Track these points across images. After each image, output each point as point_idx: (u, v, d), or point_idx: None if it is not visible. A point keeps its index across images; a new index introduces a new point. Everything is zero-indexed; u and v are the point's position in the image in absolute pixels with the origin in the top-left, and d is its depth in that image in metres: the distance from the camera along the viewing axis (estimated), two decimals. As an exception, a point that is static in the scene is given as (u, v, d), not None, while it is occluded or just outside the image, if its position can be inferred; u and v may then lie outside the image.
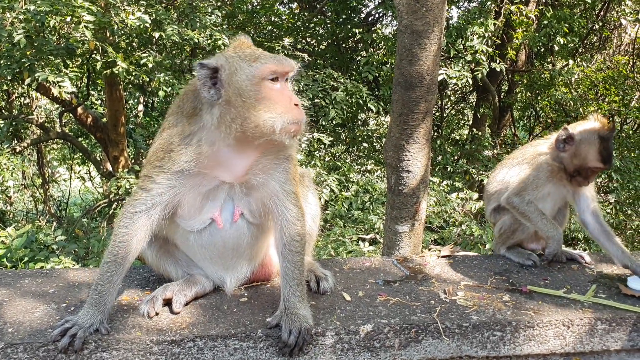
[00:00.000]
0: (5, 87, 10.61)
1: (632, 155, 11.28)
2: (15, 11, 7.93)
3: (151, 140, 12.38)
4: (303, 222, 2.55)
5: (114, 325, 2.42)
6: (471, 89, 13.66)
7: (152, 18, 8.48)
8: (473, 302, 2.70)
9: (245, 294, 2.74)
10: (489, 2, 10.90)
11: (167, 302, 2.58)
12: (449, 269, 3.15)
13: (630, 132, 12.25)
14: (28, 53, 8.11)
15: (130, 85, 11.44)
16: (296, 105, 2.35)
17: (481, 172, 10.63)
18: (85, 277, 2.95)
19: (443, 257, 3.34)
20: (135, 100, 14.17)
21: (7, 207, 14.99)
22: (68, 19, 7.65)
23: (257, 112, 2.30)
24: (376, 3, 11.98)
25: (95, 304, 2.38)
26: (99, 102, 13.69)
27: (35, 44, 8.08)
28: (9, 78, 8.66)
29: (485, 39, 9.82)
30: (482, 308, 2.64)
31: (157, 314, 2.51)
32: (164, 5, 9.06)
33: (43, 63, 8.55)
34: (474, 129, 12.43)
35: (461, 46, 10.10)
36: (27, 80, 8.11)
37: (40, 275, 2.94)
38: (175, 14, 9.03)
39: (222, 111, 2.33)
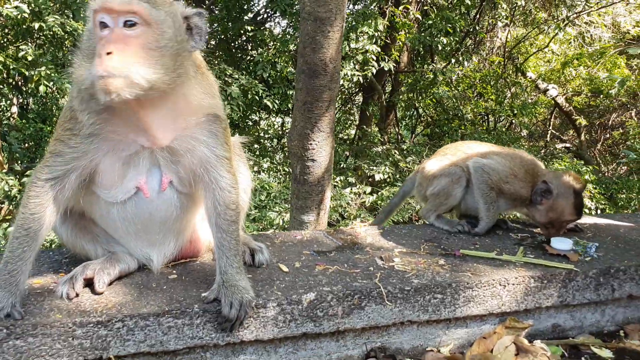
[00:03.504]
0: None
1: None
2: None
3: (28, 144, 11.32)
4: (237, 190, 2.40)
5: (28, 310, 2.12)
6: (357, 89, 14.08)
7: (30, 8, 7.80)
8: (411, 267, 2.72)
9: (174, 271, 2.54)
10: (374, 4, 11.32)
11: (89, 283, 2.30)
12: (380, 237, 3.16)
13: (504, 129, 13.33)
14: None
15: (3, 84, 10.36)
16: (109, 54, 1.93)
17: (372, 167, 10.95)
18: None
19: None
20: (8, 101, 12.87)
21: None
22: None
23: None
24: (264, 2, 11.96)
25: (5, 285, 2.07)
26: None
27: None
28: None
29: (374, 39, 10.16)
30: (421, 272, 2.66)
31: (77, 295, 2.23)
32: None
33: None
34: (364, 127, 12.80)
35: (348, 47, 10.37)
36: None
37: None
38: (57, 5, 8.36)
39: None
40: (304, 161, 5.68)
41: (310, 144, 5.60)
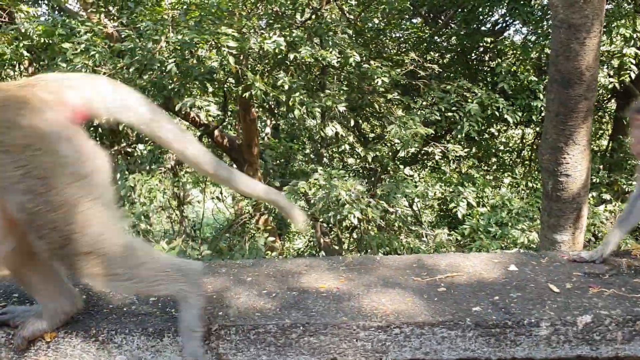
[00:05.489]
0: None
1: None
2: (165, 41, 8.57)
3: (279, 161, 12.84)
4: None
5: (318, 310, 2.43)
6: (610, 95, 12.73)
7: (286, 40, 8.81)
8: None
9: (442, 285, 2.66)
10: (630, 2, 10.16)
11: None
12: (662, 262, 2.87)
13: None
14: (175, 79, 8.74)
15: (261, 108, 11.94)
16: None
17: (630, 182, 9.78)
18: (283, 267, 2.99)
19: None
20: (263, 123, 14.76)
21: (147, 227, 16.13)
22: (209, 46, 8.16)
23: None
24: (503, 11, 11.63)
25: None
26: (230, 125, 14.42)
27: (182, 71, 8.69)
28: (159, 104, 9.37)
29: (632, 41, 9.12)
30: None
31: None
32: (296, 26, 9.38)
33: (185, 89, 9.17)
34: (620, 137, 11.52)
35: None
36: (177, 106, 8.71)
37: (236, 266, 3.04)
38: (306, 35, 9.32)
39: None
40: (556, 176, 5.37)
41: (564, 157, 5.28)
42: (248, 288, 2.69)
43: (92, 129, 10.17)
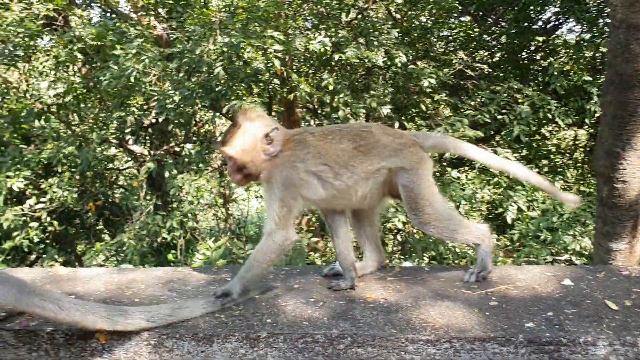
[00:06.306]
0: (198, 115, 11.70)
1: None
2: (213, 44, 8.67)
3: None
4: None
5: (367, 323, 2.41)
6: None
7: (331, 41, 8.77)
8: None
9: (494, 298, 2.59)
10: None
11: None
12: None
13: None
14: (222, 82, 8.84)
15: (304, 109, 11.95)
16: None
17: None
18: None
19: None
20: (306, 123, 14.81)
21: (194, 224, 16.44)
22: (255, 48, 8.21)
23: None
24: (556, 9, 11.25)
25: None
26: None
27: (228, 73, 8.78)
28: (206, 106, 9.51)
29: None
30: None
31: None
32: (341, 27, 9.33)
33: (232, 91, 9.27)
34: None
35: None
36: (225, 109, 8.82)
37: (283, 272, 3.05)
38: (351, 35, 9.25)
39: None
40: (612, 183, 5.15)
41: (621, 163, 5.06)
42: (296, 295, 2.69)
43: (142, 130, 10.42)
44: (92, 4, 11.54)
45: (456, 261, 7.57)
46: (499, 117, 8.74)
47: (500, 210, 8.34)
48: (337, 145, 2.72)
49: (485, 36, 11.64)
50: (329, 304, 2.59)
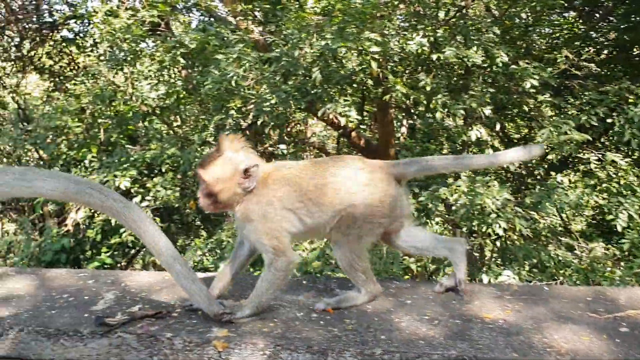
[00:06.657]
0: (294, 117, 11.90)
1: None
2: (309, 47, 8.75)
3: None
4: None
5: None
6: None
7: (429, 40, 8.59)
8: None
9: (623, 323, 2.42)
10: None
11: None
12: None
13: None
14: (317, 84, 8.91)
15: (398, 109, 11.81)
16: None
17: None
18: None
19: None
20: (399, 122, 14.61)
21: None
22: (351, 50, 8.20)
23: None
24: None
25: None
26: (366, 125, 14.48)
27: (324, 76, 8.82)
28: (301, 108, 9.64)
29: None
30: None
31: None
32: (439, 26, 9.10)
33: (327, 93, 9.31)
34: None
35: None
36: (320, 112, 8.89)
37: (393, 287, 3.02)
38: (449, 34, 9.01)
39: None
40: None
41: None
42: (408, 312, 2.65)
43: (239, 131, 10.74)
44: (192, 8, 12.05)
45: (561, 271, 7.17)
46: (608, 120, 8.19)
47: (610, 217, 7.81)
48: (310, 181, 2.82)
49: (592, 33, 10.95)
50: (445, 322, 2.53)
